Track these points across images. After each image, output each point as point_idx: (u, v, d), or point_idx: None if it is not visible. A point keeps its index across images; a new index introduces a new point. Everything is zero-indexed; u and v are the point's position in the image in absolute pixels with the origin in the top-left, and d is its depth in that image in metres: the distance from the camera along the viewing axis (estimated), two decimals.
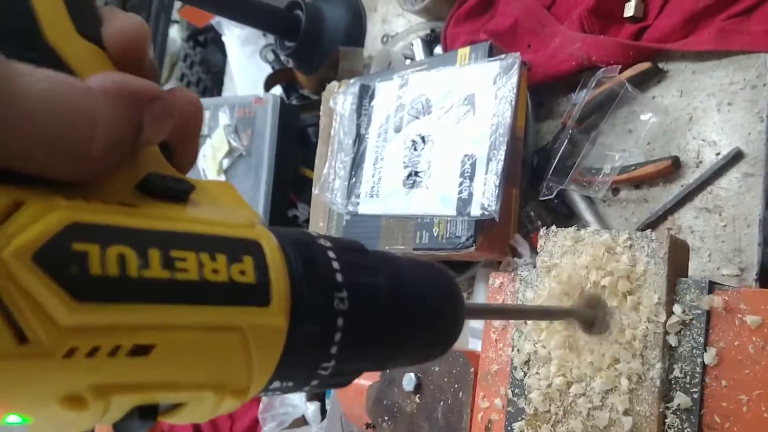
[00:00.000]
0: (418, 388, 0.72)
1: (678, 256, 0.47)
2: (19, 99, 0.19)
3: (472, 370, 0.65)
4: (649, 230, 0.48)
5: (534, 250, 0.87)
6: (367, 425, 0.79)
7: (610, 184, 0.82)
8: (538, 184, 0.88)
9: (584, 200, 0.86)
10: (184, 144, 0.27)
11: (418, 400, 0.71)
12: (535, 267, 0.56)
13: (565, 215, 0.88)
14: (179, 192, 0.24)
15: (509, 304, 0.54)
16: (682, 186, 0.79)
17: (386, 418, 0.73)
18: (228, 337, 0.23)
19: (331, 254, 0.28)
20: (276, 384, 0.26)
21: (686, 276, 0.48)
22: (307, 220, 1.14)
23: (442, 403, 0.68)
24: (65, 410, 0.20)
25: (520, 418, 0.52)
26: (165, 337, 0.21)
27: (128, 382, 0.21)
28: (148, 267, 0.21)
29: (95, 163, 0.21)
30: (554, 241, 0.53)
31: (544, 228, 0.54)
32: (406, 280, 0.31)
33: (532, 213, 0.88)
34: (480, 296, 0.92)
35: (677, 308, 0.46)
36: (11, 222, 0.19)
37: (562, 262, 0.51)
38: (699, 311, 0.45)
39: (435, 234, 0.87)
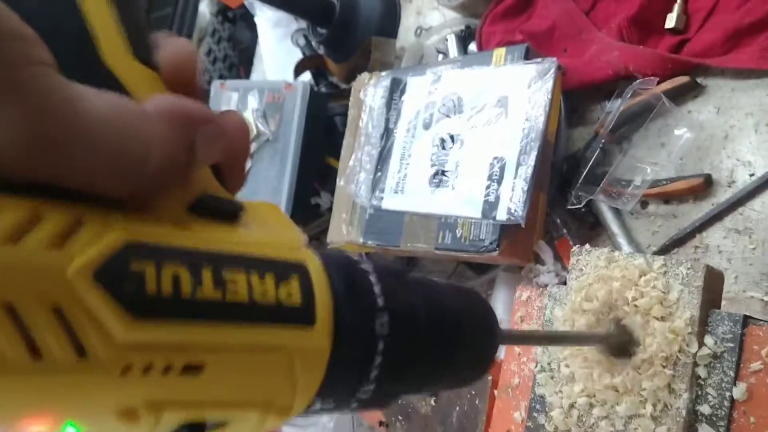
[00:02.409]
0: None
1: (713, 286, 0.47)
2: (82, 120, 0.19)
3: (490, 378, 0.65)
4: (685, 259, 0.47)
5: (557, 258, 0.87)
6: (381, 423, 0.79)
7: (639, 197, 0.82)
8: (566, 191, 0.88)
9: (611, 211, 0.85)
10: (233, 166, 0.28)
11: (433, 403, 0.71)
12: (564, 284, 0.56)
13: (591, 225, 0.88)
14: (230, 213, 0.25)
15: (544, 330, 0.53)
16: (712, 204, 0.78)
17: (400, 417, 0.73)
18: (274, 357, 0.24)
19: (372, 279, 0.29)
20: (317, 405, 0.27)
21: (719, 306, 0.48)
22: (329, 209, 1.14)
23: (457, 408, 0.68)
24: (119, 423, 0.20)
25: None
26: (215, 357, 0.22)
27: (179, 399, 0.22)
28: (201, 286, 0.22)
29: (150, 182, 0.22)
30: (587, 260, 0.52)
31: (578, 246, 0.54)
32: (444, 306, 0.32)
33: (558, 220, 0.88)
34: (499, 300, 0.92)
35: (709, 340, 0.45)
36: (72, 241, 0.19)
37: (593, 281, 0.51)
38: (731, 345, 0.45)
39: (458, 235, 0.87)
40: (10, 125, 0.18)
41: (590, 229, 0.88)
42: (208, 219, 0.24)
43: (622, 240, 0.83)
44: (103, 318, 0.19)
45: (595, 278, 0.50)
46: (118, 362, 0.19)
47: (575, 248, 0.53)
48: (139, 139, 0.21)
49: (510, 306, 0.90)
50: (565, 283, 0.85)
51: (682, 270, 0.47)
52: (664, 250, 0.81)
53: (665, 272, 0.47)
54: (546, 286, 0.85)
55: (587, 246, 0.52)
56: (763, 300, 0.73)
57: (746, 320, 0.45)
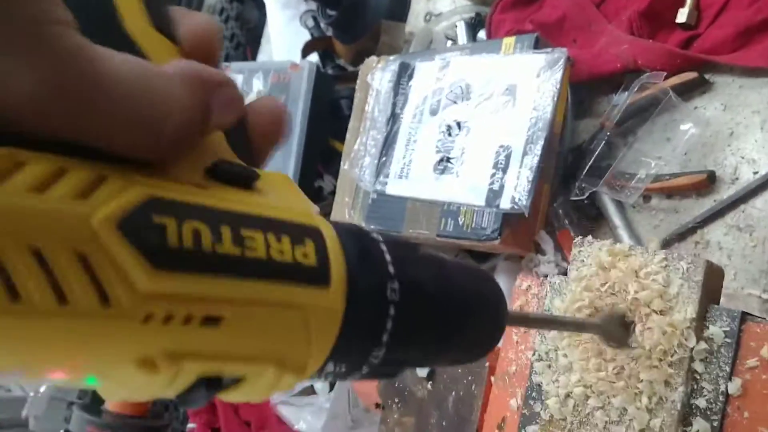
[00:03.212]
0: (431, 374, 0.72)
1: (712, 281, 0.47)
2: (104, 79, 0.20)
3: (487, 364, 0.66)
4: (686, 254, 0.47)
5: (558, 248, 0.87)
6: (377, 405, 0.80)
7: (642, 191, 0.82)
8: (569, 183, 0.88)
9: (614, 203, 0.86)
10: (260, 146, 0.29)
11: (430, 387, 0.72)
12: (565, 274, 0.56)
13: (593, 216, 0.88)
14: (246, 178, 0.26)
15: (546, 314, 0.54)
16: (715, 201, 0.79)
17: (396, 400, 0.74)
18: (290, 315, 0.24)
19: (383, 247, 0.29)
20: (330, 367, 0.28)
21: (718, 302, 0.48)
22: (332, 193, 1.14)
23: (453, 393, 0.69)
24: (139, 373, 0.21)
25: (534, 422, 0.53)
26: (234, 310, 0.23)
27: (198, 350, 0.22)
28: (221, 242, 0.22)
29: (169, 142, 0.22)
30: (588, 251, 0.53)
31: (580, 237, 0.54)
32: (454, 279, 0.32)
33: (560, 211, 0.88)
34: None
35: (706, 334, 0.46)
36: (97, 194, 0.20)
37: (594, 273, 0.51)
38: (728, 340, 0.45)
39: (460, 223, 0.87)
40: (35, 80, 0.19)
41: (592, 220, 0.88)
42: (224, 183, 0.25)
43: (623, 233, 0.84)
44: (126, 267, 0.20)
45: (596, 269, 0.51)
46: (140, 311, 0.20)
47: (577, 239, 0.53)
48: (159, 99, 0.22)
49: (509, 295, 0.90)
50: (565, 274, 0.85)
51: (683, 265, 0.47)
52: (665, 245, 0.81)
53: (666, 266, 0.48)
54: (546, 276, 0.86)
55: (589, 237, 0.52)
56: (761, 297, 0.73)
57: (744, 317, 0.45)
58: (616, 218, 0.85)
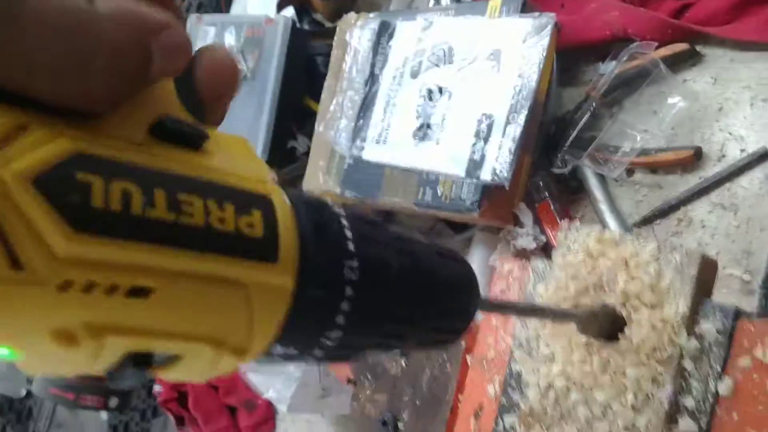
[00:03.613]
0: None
1: (706, 275, 0.45)
2: (23, 9, 0.18)
3: (463, 344, 0.64)
4: (681, 245, 0.45)
5: (537, 221, 0.85)
6: (349, 380, 0.78)
7: (626, 165, 0.80)
8: (551, 153, 0.85)
9: (596, 177, 0.83)
10: (210, 101, 0.26)
11: (404, 364, 0.70)
12: (543, 249, 0.54)
13: (573, 189, 0.86)
14: (193, 138, 0.24)
15: (526, 302, 0.52)
16: (700, 178, 0.77)
17: (369, 376, 0.72)
18: (230, 291, 0.23)
19: (344, 222, 0.28)
20: (278, 349, 0.26)
21: (710, 295, 0.46)
22: (306, 153, 1.10)
23: (428, 371, 0.67)
24: (56, 346, 0.19)
25: (512, 412, 0.51)
26: (165, 282, 0.21)
27: (123, 324, 0.20)
28: (153, 207, 0.20)
29: (98, 87, 0.20)
30: (575, 237, 0.50)
31: (566, 221, 0.52)
32: (421, 261, 0.31)
33: (540, 183, 0.86)
34: (475, 259, 0.90)
35: (698, 330, 0.44)
36: (14, 145, 0.18)
37: (581, 261, 0.49)
38: (721, 338, 0.43)
39: (439, 193, 0.84)
40: None
41: (573, 193, 0.86)
42: (168, 142, 0.23)
43: (604, 207, 0.82)
44: (41, 228, 0.18)
45: (584, 257, 0.49)
46: (56, 277, 0.18)
47: (563, 223, 0.51)
48: (84, 36, 0.19)
49: (485, 266, 0.88)
50: (544, 248, 0.83)
51: (676, 257, 0.45)
52: (647, 221, 0.79)
53: (657, 257, 0.46)
54: (524, 249, 0.84)
55: (577, 223, 0.50)
56: (742, 279, 0.72)
57: (738, 314, 0.43)
58: (597, 192, 0.83)
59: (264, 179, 0.25)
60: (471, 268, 0.35)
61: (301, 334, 0.26)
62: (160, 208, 0.20)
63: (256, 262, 0.23)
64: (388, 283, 0.29)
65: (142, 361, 0.22)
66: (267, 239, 0.23)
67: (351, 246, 0.27)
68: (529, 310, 0.46)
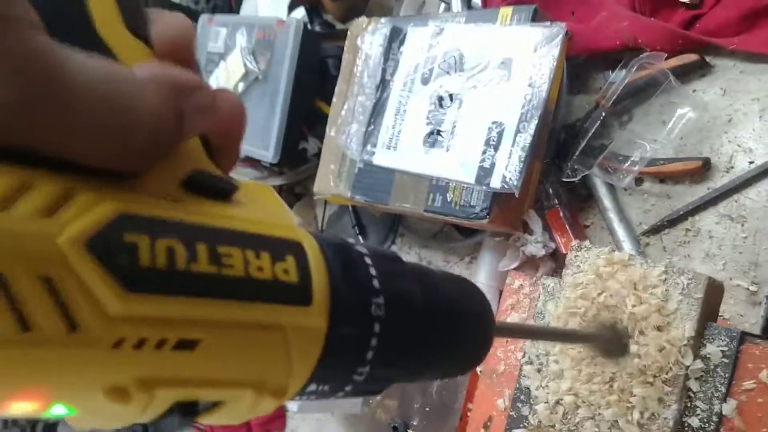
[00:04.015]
0: None
1: (712, 298, 0.46)
2: (70, 83, 0.19)
3: None
4: (688, 270, 0.46)
5: (546, 228, 0.86)
6: None
7: (635, 174, 0.80)
8: (561, 161, 0.86)
9: (605, 185, 0.84)
10: (225, 145, 0.27)
11: None
12: (552, 255, 0.55)
13: (583, 197, 0.86)
14: (224, 190, 0.25)
15: (539, 326, 0.53)
16: (708, 188, 0.77)
17: None
18: (270, 336, 0.23)
19: (368, 260, 0.29)
20: (312, 387, 0.27)
21: (716, 319, 0.47)
22: (316, 155, 1.11)
23: (438, 379, 0.68)
24: (109, 402, 0.20)
25: (521, 425, 0.52)
26: (210, 333, 0.22)
27: (172, 376, 0.21)
28: (196, 261, 0.21)
29: (140, 151, 0.21)
30: (585, 257, 0.51)
31: (577, 241, 0.53)
32: (440, 292, 0.32)
33: (550, 190, 0.87)
34: (484, 264, 0.91)
35: (703, 352, 0.45)
36: (64, 210, 0.19)
37: (591, 281, 0.50)
38: (726, 360, 0.44)
39: (449, 199, 0.85)
40: None
41: (582, 201, 0.87)
42: (201, 196, 0.24)
43: (613, 215, 0.83)
44: (95, 290, 0.18)
45: (593, 278, 0.50)
46: (110, 336, 0.19)
47: (574, 243, 0.52)
48: (128, 105, 0.20)
49: (495, 272, 0.89)
50: (553, 255, 0.84)
51: (683, 280, 0.46)
52: (655, 230, 0.80)
53: (665, 280, 0.47)
54: (533, 256, 0.85)
55: (587, 242, 0.51)
56: (749, 289, 0.73)
57: (743, 337, 0.44)
58: (606, 200, 0.84)
59: (292, 225, 0.26)
60: (484, 295, 0.36)
61: (334, 372, 0.27)
62: (202, 262, 0.21)
63: (293, 306, 0.24)
64: (413, 316, 0.30)
65: (188, 409, 0.22)
66: (301, 283, 0.24)
67: (376, 283, 0.28)
68: (542, 334, 0.47)
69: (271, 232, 0.25)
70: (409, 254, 1.07)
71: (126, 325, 0.19)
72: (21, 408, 0.19)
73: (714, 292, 0.46)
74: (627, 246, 0.79)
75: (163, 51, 0.26)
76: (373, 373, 0.28)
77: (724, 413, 0.44)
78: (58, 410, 0.20)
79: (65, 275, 0.18)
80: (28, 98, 0.18)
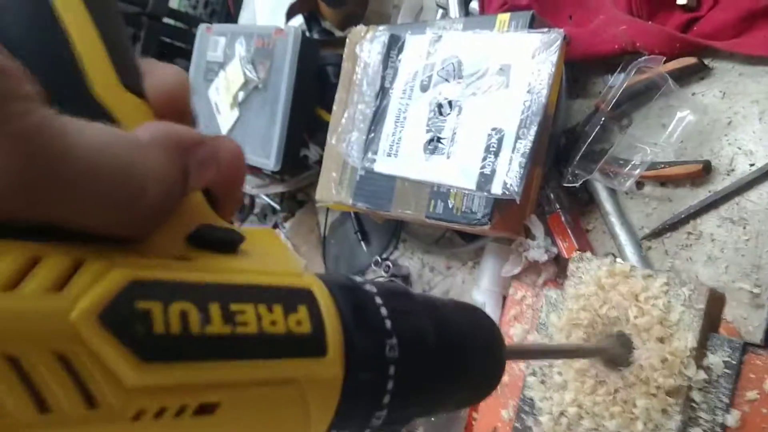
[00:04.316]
0: None
1: (714, 309, 0.46)
2: (73, 155, 0.19)
3: None
4: (689, 281, 0.46)
5: (548, 233, 0.86)
6: None
7: (636, 178, 0.80)
8: (562, 165, 0.86)
9: (606, 189, 0.84)
10: (226, 193, 0.27)
11: None
12: (555, 260, 0.55)
13: (584, 201, 0.87)
14: (230, 243, 0.24)
15: (545, 345, 0.53)
16: (709, 192, 0.77)
17: None
18: (287, 391, 0.23)
19: (378, 300, 0.28)
20: None
21: (718, 329, 0.47)
22: (317, 162, 1.11)
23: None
24: None
25: None
26: (228, 394, 0.21)
27: None
28: (210, 323, 0.21)
29: (149, 215, 0.21)
30: (587, 268, 0.51)
31: (578, 252, 0.53)
32: (451, 325, 0.32)
33: (551, 195, 0.87)
34: (487, 269, 0.91)
35: (706, 363, 0.45)
36: (74, 283, 0.19)
37: (593, 293, 0.50)
38: (728, 371, 0.44)
39: (450, 206, 0.85)
40: None
41: (583, 205, 0.87)
42: (208, 250, 0.24)
43: (614, 219, 0.83)
44: (111, 363, 0.18)
45: (595, 289, 0.50)
46: (129, 409, 0.19)
47: (575, 254, 0.52)
48: (135, 170, 0.20)
49: (498, 277, 0.89)
50: (555, 260, 0.85)
51: (685, 291, 0.46)
52: (657, 234, 0.80)
53: (667, 291, 0.47)
54: (536, 261, 0.85)
55: (588, 254, 0.51)
56: (752, 292, 0.73)
57: (746, 348, 0.45)
58: (607, 204, 0.84)
59: (300, 271, 0.26)
60: (492, 321, 0.36)
61: (352, 419, 0.27)
62: (216, 323, 0.21)
63: (308, 357, 0.24)
64: (427, 354, 0.29)
65: None
66: (315, 333, 0.24)
67: (388, 324, 0.28)
68: (549, 353, 0.47)
69: (281, 282, 0.24)
70: (412, 260, 1.07)
71: (144, 396, 0.19)
72: None
73: (715, 303, 0.46)
74: (629, 250, 0.79)
75: (160, 104, 0.26)
76: (390, 415, 0.28)
77: (727, 424, 0.44)
78: None
79: (80, 351, 0.18)
80: (31, 175, 0.18)
